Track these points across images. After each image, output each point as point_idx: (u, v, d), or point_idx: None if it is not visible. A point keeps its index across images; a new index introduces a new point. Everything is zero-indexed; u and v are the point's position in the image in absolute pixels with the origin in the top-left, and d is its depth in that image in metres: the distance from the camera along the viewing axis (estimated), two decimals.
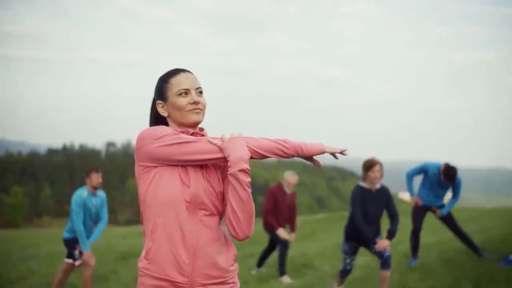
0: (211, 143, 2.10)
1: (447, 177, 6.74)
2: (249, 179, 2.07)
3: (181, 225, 2.08)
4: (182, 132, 2.17)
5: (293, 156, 2.19)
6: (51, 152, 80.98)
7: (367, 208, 5.40)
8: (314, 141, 2.23)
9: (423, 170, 7.05)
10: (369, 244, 5.41)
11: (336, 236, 12.58)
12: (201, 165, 2.15)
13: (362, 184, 5.49)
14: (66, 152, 79.54)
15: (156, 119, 2.28)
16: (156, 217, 2.10)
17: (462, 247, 7.44)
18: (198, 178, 2.13)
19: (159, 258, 2.09)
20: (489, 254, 6.92)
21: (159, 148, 2.07)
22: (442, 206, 7.08)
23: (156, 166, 2.11)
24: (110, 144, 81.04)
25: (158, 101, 2.24)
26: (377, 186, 5.47)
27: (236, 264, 2.24)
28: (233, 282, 2.20)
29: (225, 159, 2.10)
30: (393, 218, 5.47)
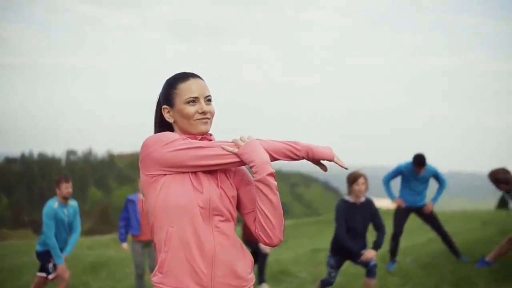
0: (225, 149, 2.01)
1: (418, 164, 6.91)
2: (276, 182, 2.01)
3: (196, 232, 1.98)
4: (189, 138, 2.08)
5: (303, 158, 2.12)
6: (9, 161, 78.62)
7: (353, 222, 5.29)
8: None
9: (398, 172, 7.13)
10: (354, 257, 5.34)
11: (308, 242, 12.56)
12: (212, 171, 2.06)
13: (347, 197, 5.39)
14: (24, 160, 77.46)
15: (161, 124, 2.18)
16: (169, 226, 1.99)
17: (438, 251, 7.49)
18: (210, 183, 2.04)
19: (175, 270, 1.98)
20: (466, 257, 6.98)
21: (169, 154, 1.97)
22: (425, 205, 7.13)
23: (165, 174, 2.00)
24: (70, 152, 79.46)
25: (164, 106, 2.14)
26: (362, 199, 5.38)
27: (253, 274, 2.15)
28: None
29: (239, 163, 2.03)
30: (380, 230, 5.40)
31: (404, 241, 8.86)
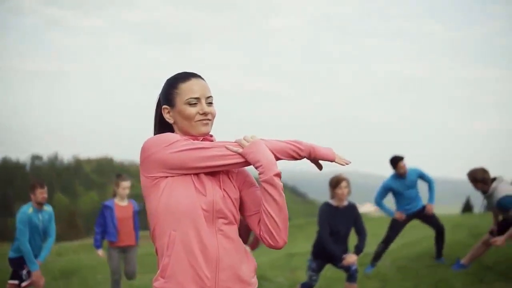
0: (229, 149, 1.97)
1: (397, 162, 6.95)
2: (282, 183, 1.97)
3: (200, 236, 1.92)
4: (190, 139, 2.02)
5: (304, 157, 2.10)
6: None
7: (336, 225, 5.30)
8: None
9: (386, 189, 7.14)
10: (336, 261, 5.34)
11: None
12: (215, 173, 2.01)
13: (330, 201, 5.40)
14: None
15: (161, 125, 2.13)
16: (171, 230, 1.93)
17: (413, 254, 7.56)
18: (213, 185, 1.99)
19: (178, 274, 1.91)
20: (443, 260, 7.06)
21: (171, 155, 1.92)
22: (423, 207, 7.17)
23: (166, 176, 1.94)
24: (35, 157, 77.63)
25: (165, 106, 2.08)
26: (345, 203, 5.40)
27: (256, 278, 2.10)
28: None
29: (244, 163, 1.99)
30: (361, 234, 5.41)
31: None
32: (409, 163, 7.14)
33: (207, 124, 2.04)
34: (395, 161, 6.99)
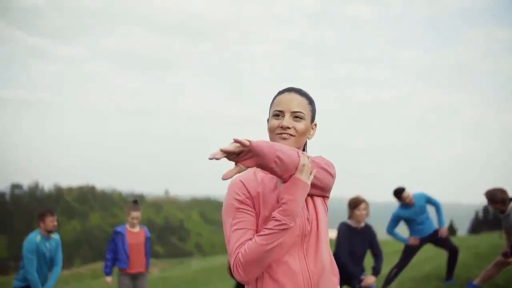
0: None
1: (400, 194, 6.98)
2: None
3: (287, 263, 1.83)
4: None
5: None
6: None
7: (353, 246, 5.31)
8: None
9: (396, 219, 7.18)
10: (353, 282, 5.30)
11: None
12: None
13: (348, 221, 5.41)
14: None
15: None
16: None
17: (419, 276, 7.52)
18: (304, 206, 1.89)
19: None
20: (454, 281, 7.04)
21: (225, 225, 1.88)
22: (436, 230, 7.17)
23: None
24: (15, 186, 76.28)
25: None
26: (362, 224, 5.41)
27: None
28: None
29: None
30: (378, 256, 5.44)
31: (385, 269, 8.91)
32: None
33: (285, 138, 1.92)
34: (398, 193, 7.02)
